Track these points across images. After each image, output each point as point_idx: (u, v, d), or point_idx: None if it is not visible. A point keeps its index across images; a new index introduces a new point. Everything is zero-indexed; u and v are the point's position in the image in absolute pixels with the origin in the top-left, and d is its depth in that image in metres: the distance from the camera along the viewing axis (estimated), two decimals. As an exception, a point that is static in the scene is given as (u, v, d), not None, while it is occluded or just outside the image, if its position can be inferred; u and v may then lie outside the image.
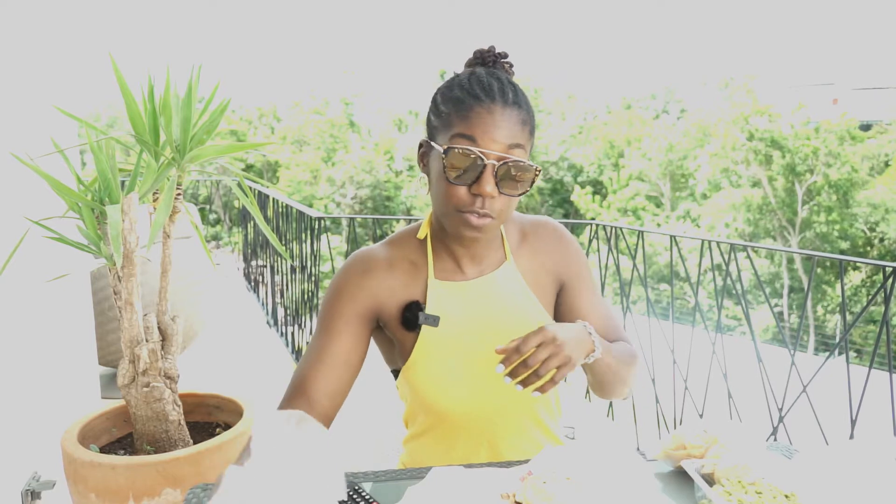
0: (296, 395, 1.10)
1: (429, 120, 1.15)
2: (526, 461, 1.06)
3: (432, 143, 1.11)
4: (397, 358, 1.23)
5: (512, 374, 0.97)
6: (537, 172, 1.09)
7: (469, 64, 1.18)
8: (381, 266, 1.18)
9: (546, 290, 1.25)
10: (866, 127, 22.76)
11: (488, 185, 1.05)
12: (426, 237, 1.21)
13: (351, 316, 1.15)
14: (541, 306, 1.22)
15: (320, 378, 1.11)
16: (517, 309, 1.20)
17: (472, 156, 1.05)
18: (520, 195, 1.09)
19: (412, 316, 1.16)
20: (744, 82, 26.46)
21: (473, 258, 1.20)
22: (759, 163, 21.59)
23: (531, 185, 1.09)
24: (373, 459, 1.91)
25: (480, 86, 1.09)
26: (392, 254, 1.20)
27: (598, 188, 26.27)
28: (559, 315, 1.26)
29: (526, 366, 0.95)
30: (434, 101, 1.14)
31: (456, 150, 1.05)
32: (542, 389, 0.97)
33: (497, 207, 1.07)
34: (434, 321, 1.15)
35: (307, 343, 4.49)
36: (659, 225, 23.63)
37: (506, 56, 1.18)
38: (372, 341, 1.23)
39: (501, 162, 1.05)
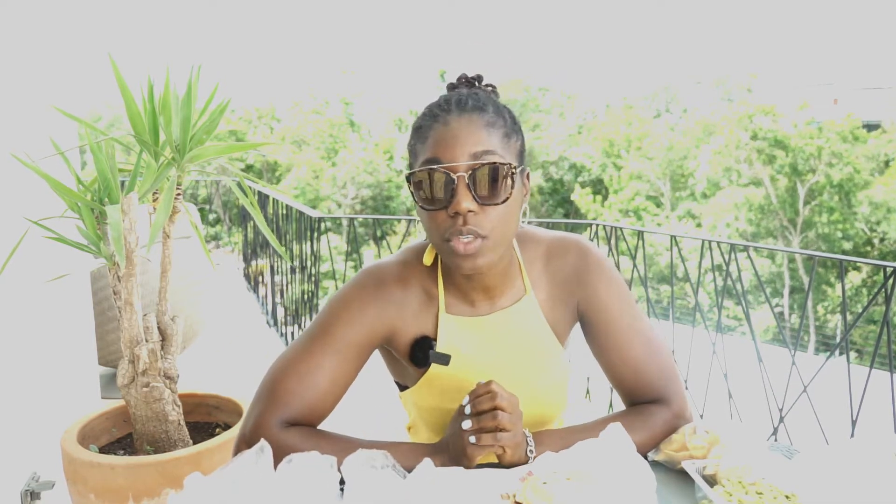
0: (291, 407, 1.02)
1: (409, 143, 1.08)
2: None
3: (409, 187, 1.03)
4: (405, 375, 1.18)
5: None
6: (514, 170, 0.99)
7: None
8: (397, 291, 1.10)
9: (562, 321, 1.15)
10: (871, 127, 22.75)
11: (464, 200, 0.95)
12: (435, 265, 1.13)
13: (363, 343, 1.07)
14: (555, 339, 1.14)
15: (315, 401, 1.03)
16: (532, 347, 1.12)
17: (438, 174, 0.96)
18: (504, 202, 0.98)
19: (422, 353, 1.09)
20: (740, 81, 26.46)
21: (486, 291, 1.11)
22: (762, 162, 21.60)
23: (513, 188, 0.99)
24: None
25: (437, 105, 1.03)
26: (407, 277, 1.11)
27: (598, 188, 26.28)
28: (590, 345, 1.16)
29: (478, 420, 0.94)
30: (411, 129, 1.09)
31: (420, 173, 0.98)
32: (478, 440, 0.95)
33: (485, 224, 0.97)
34: (445, 360, 1.08)
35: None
36: (660, 224, 23.63)
37: (481, 79, 1.11)
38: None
39: (470, 172, 0.96)
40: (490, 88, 1.12)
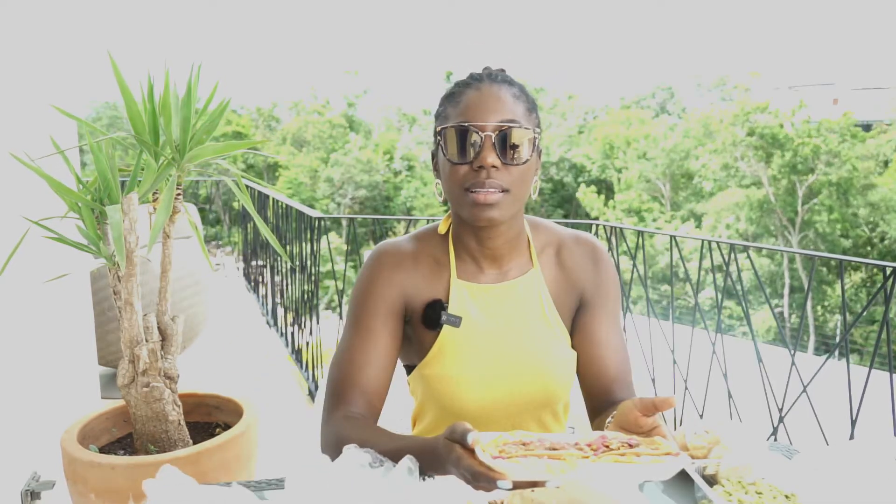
0: (350, 395, 1.11)
1: (434, 130, 1.17)
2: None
3: (438, 143, 1.14)
4: (413, 354, 1.23)
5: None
6: (537, 133, 1.12)
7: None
8: (407, 261, 1.19)
9: (566, 305, 1.23)
10: (866, 127, 22.75)
11: (489, 156, 1.06)
12: (448, 235, 1.22)
13: (386, 315, 1.17)
14: (560, 320, 1.21)
15: (371, 378, 1.13)
16: (538, 320, 1.19)
17: (468, 131, 1.07)
18: (525, 162, 1.10)
19: (434, 315, 1.16)
20: (740, 81, 26.45)
21: (495, 259, 1.19)
22: (759, 159, 21.60)
23: (534, 150, 1.11)
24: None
25: (470, 76, 1.15)
26: (417, 249, 1.21)
27: (600, 188, 26.28)
28: (575, 334, 1.23)
29: None
30: (436, 111, 1.18)
31: (451, 128, 1.09)
32: None
33: (506, 179, 1.08)
34: (456, 321, 1.16)
35: (306, 342, 4.46)
36: (667, 221, 23.61)
37: (504, 72, 1.21)
38: None
39: (497, 132, 1.07)
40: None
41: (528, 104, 1.13)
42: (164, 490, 0.82)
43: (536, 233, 1.24)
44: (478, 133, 1.07)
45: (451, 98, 1.14)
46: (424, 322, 1.18)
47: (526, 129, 1.09)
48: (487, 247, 1.17)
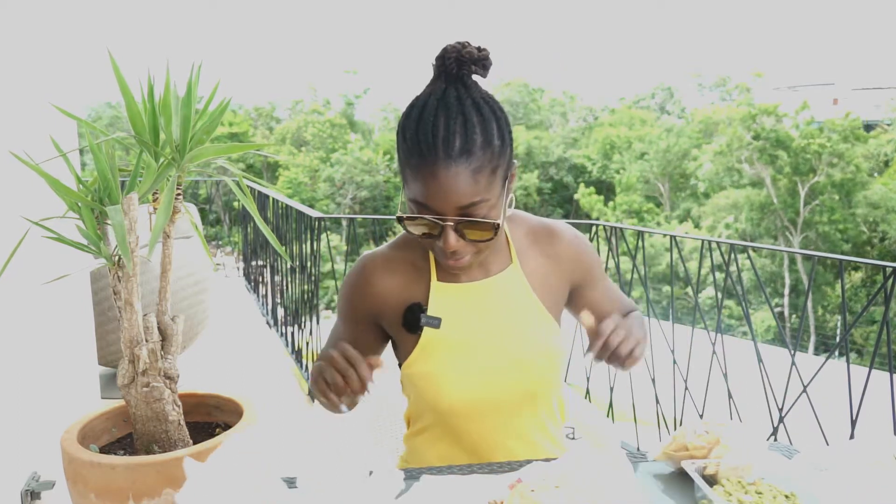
0: None
1: (397, 150, 1.11)
2: (519, 462, 1.06)
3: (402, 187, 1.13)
4: (399, 356, 1.24)
5: (598, 357, 1.01)
6: (496, 224, 1.05)
7: (435, 74, 1.09)
8: (380, 271, 1.21)
9: (553, 293, 1.24)
10: (867, 127, 22.77)
11: (452, 241, 1.05)
12: None
13: (360, 321, 1.23)
14: (544, 310, 1.21)
15: None
16: (519, 312, 1.20)
17: (428, 222, 1.05)
18: (490, 240, 1.07)
19: (413, 318, 1.17)
20: (740, 81, 26.45)
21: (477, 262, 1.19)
22: (764, 162, 21.64)
23: (496, 230, 1.06)
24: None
25: (424, 137, 1.02)
26: (395, 256, 1.22)
27: (600, 188, 26.27)
28: (575, 308, 1.27)
29: (606, 348, 0.99)
30: (397, 134, 1.09)
31: (411, 208, 1.07)
32: (625, 365, 1.02)
33: (472, 250, 1.09)
34: (436, 323, 1.16)
35: (306, 342, 4.45)
36: (659, 224, 23.61)
37: (475, 59, 1.06)
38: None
39: (457, 222, 1.04)
40: (482, 70, 1.08)
41: (492, 163, 1.03)
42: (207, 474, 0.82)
43: (514, 227, 1.24)
44: (438, 223, 1.04)
45: (408, 161, 1.04)
46: (405, 326, 1.19)
47: (486, 200, 1.03)
48: None
